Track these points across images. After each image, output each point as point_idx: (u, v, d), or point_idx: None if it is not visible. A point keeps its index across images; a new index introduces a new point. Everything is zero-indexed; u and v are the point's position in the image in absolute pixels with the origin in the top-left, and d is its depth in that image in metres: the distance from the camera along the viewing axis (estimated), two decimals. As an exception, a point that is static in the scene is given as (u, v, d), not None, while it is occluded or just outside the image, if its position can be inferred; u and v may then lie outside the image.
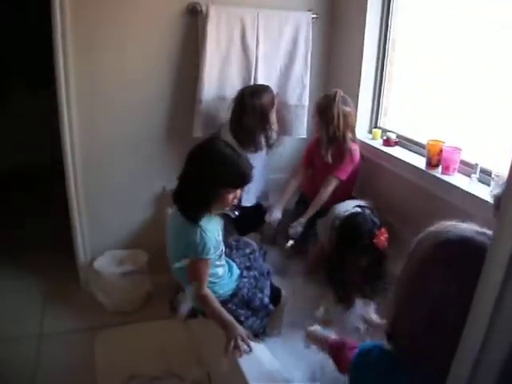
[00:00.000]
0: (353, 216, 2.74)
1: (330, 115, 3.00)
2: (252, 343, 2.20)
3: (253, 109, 3.05)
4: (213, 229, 2.30)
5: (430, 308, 1.21)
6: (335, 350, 1.78)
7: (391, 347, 1.34)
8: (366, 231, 2.63)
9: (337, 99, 2.99)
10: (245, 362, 2.14)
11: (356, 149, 3.11)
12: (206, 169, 2.20)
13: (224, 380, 2.49)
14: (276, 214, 3.20)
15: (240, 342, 2.16)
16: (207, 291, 2.28)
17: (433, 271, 1.22)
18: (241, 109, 3.07)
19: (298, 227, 3.08)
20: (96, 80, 3.15)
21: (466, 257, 1.17)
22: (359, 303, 2.57)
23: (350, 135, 3.08)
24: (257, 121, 3.08)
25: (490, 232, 1.19)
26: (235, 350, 2.14)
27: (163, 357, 2.83)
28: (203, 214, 2.24)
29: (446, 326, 1.16)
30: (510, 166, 0.87)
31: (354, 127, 3.15)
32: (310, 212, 3.11)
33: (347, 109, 3.04)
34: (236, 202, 2.33)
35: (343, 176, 3.08)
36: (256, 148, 3.14)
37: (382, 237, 2.61)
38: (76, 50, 3.02)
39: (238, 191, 2.30)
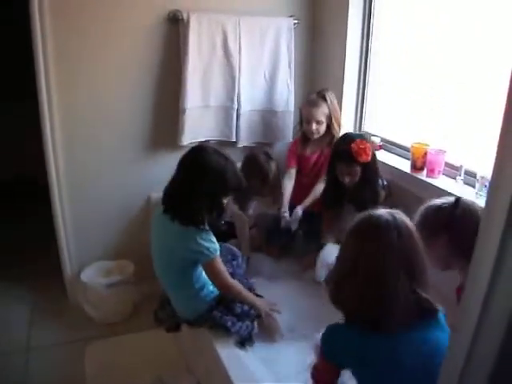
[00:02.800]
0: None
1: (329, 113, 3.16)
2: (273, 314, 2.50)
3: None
4: (212, 236, 2.37)
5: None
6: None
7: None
8: (349, 139, 2.80)
9: (328, 98, 3.16)
10: (233, 370, 2.15)
11: None
12: (210, 183, 2.28)
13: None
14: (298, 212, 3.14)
15: (266, 313, 2.46)
16: (232, 281, 2.42)
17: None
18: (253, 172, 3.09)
19: (299, 213, 3.08)
20: (77, 92, 3.12)
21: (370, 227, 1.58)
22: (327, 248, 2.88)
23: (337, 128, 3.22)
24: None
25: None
26: (268, 318, 2.46)
27: (153, 367, 2.82)
28: (205, 221, 2.32)
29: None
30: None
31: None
32: (307, 202, 3.14)
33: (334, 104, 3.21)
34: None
35: None
36: None
37: (361, 145, 2.72)
38: (56, 62, 2.99)
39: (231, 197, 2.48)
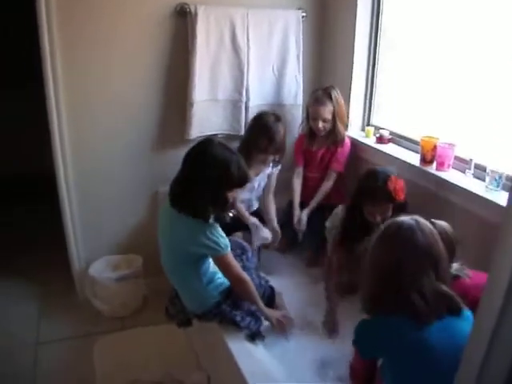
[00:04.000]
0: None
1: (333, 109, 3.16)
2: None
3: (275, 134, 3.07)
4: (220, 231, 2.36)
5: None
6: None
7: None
8: (381, 177, 2.54)
9: (334, 96, 3.15)
10: (245, 364, 2.14)
11: (344, 136, 3.26)
12: (215, 176, 2.26)
13: (225, 383, 2.48)
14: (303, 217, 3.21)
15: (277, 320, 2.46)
16: (246, 277, 2.38)
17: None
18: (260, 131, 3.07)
19: (303, 218, 3.16)
20: (83, 85, 3.12)
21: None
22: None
23: (342, 126, 3.22)
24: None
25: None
26: (279, 325, 2.46)
27: (163, 361, 2.82)
28: (211, 213, 2.30)
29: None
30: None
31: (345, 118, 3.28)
32: (313, 203, 3.21)
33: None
34: (232, 201, 2.41)
35: (341, 168, 3.26)
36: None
37: (398, 183, 2.52)
38: (63, 53, 2.99)
39: (238, 191, 2.40)
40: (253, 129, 3.13)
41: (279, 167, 3.29)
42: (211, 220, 2.30)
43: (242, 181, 2.35)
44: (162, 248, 2.49)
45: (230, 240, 2.68)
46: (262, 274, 2.73)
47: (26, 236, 4.37)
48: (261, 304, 2.44)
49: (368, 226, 2.51)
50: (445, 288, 1.63)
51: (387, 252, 1.70)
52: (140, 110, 3.30)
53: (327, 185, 3.25)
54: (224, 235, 2.33)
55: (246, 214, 3.16)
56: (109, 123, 3.25)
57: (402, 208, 2.49)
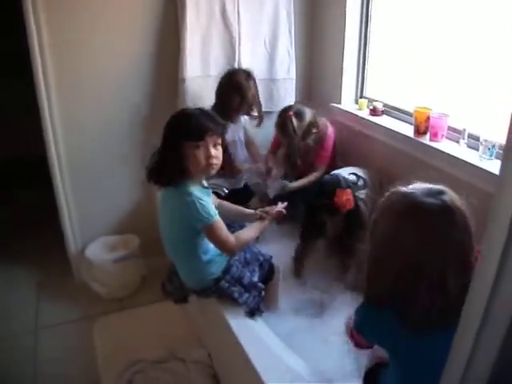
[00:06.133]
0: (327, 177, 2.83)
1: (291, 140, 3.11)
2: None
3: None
4: (208, 200, 2.28)
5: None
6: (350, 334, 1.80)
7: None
8: (330, 189, 2.61)
9: (290, 129, 3.06)
10: (245, 339, 2.15)
11: (326, 131, 3.19)
12: (169, 127, 2.24)
13: (226, 359, 2.50)
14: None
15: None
16: (234, 239, 2.32)
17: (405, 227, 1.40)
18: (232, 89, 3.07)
19: (286, 185, 3.13)
20: (72, 63, 3.08)
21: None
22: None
23: (315, 130, 3.14)
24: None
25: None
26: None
27: (163, 340, 2.83)
28: (181, 175, 2.23)
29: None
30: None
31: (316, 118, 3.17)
32: (299, 183, 3.18)
33: (304, 123, 3.09)
34: (215, 161, 2.25)
35: (326, 161, 3.25)
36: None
37: (344, 197, 2.57)
38: (49, 33, 2.94)
39: (212, 150, 2.23)
40: (225, 88, 3.09)
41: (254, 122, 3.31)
42: (194, 191, 2.22)
43: (195, 131, 2.20)
44: (160, 227, 2.48)
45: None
46: (263, 251, 2.70)
47: (25, 219, 4.35)
48: (255, 232, 2.49)
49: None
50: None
51: (416, 239, 1.37)
52: (131, 87, 3.27)
53: (316, 175, 3.19)
54: (209, 205, 2.23)
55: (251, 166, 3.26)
56: (99, 101, 3.22)
57: (355, 216, 2.60)
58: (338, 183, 2.65)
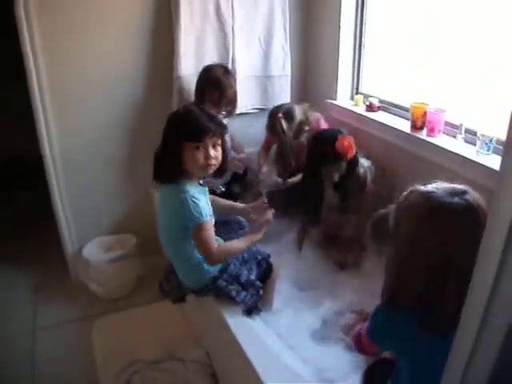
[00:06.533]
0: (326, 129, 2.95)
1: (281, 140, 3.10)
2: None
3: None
4: (202, 198, 2.28)
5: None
6: (356, 340, 1.78)
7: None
8: (330, 136, 2.66)
9: (279, 130, 3.04)
10: (243, 338, 2.14)
11: (318, 128, 3.13)
12: (169, 127, 2.24)
13: (224, 358, 2.49)
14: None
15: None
16: (217, 247, 2.29)
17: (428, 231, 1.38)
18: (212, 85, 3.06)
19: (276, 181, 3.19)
20: (66, 67, 3.06)
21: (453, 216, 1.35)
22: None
23: (307, 128, 3.12)
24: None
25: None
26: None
27: (161, 340, 2.81)
28: (179, 174, 2.23)
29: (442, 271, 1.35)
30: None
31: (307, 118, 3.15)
32: (292, 181, 3.20)
33: (294, 123, 3.07)
34: (213, 162, 2.26)
35: None
36: None
37: (346, 142, 2.61)
38: (42, 31, 2.92)
39: (211, 151, 2.23)
40: (204, 83, 3.07)
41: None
42: (189, 189, 2.23)
43: (193, 131, 2.20)
44: (158, 226, 2.47)
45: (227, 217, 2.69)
46: (262, 249, 2.68)
47: (24, 219, 4.32)
48: (244, 244, 2.41)
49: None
50: None
51: (437, 239, 1.36)
52: (125, 88, 3.25)
53: None
54: (202, 205, 2.23)
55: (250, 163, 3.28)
56: (93, 102, 3.20)
57: (354, 163, 2.68)
58: (339, 131, 2.69)
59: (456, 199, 1.35)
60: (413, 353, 1.44)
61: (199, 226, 2.21)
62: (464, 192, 1.38)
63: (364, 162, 2.79)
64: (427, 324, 1.37)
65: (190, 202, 2.18)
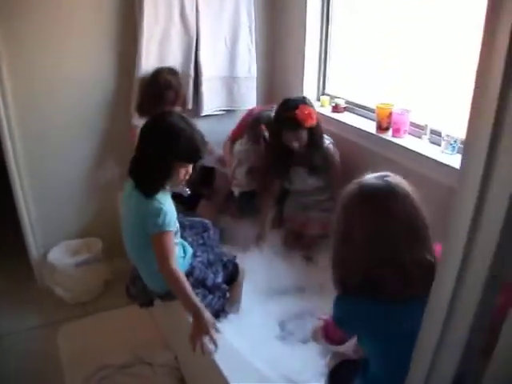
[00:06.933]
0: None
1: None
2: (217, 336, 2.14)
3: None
4: (169, 204, 2.26)
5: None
6: (324, 331, 1.83)
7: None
8: (293, 104, 2.78)
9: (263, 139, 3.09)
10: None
11: None
12: (161, 143, 2.16)
13: (192, 361, 2.47)
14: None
15: (206, 341, 2.09)
16: (177, 268, 2.21)
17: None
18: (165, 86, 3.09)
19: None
20: (30, 71, 3.00)
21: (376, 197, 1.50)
22: None
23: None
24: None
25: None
26: (201, 347, 2.09)
27: (129, 344, 2.78)
28: (159, 189, 2.20)
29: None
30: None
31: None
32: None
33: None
34: (187, 177, 2.28)
35: None
36: None
37: (306, 111, 2.72)
38: (2, 34, 2.86)
39: (190, 167, 2.26)
40: (155, 86, 3.08)
41: None
42: (158, 196, 2.20)
43: (193, 155, 2.23)
44: (122, 229, 2.44)
45: (193, 218, 2.67)
46: (227, 251, 2.69)
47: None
48: (198, 304, 2.18)
49: (291, 152, 2.89)
50: (430, 258, 1.44)
51: (360, 222, 1.50)
52: (91, 91, 3.21)
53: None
54: (169, 212, 2.20)
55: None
56: (59, 105, 3.15)
57: (316, 135, 2.84)
58: (303, 101, 2.81)
59: (377, 180, 1.51)
60: (378, 328, 1.52)
61: (162, 233, 2.18)
62: (385, 175, 1.53)
63: (328, 139, 2.92)
64: (378, 299, 1.48)
65: (157, 207, 2.16)
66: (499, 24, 0.75)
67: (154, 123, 2.25)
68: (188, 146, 2.19)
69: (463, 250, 0.87)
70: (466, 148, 0.90)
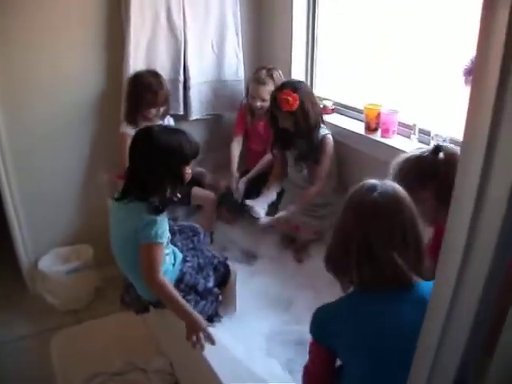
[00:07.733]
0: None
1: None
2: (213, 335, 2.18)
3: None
4: (163, 215, 2.22)
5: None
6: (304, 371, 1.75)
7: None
8: (283, 85, 2.89)
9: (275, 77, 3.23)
10: (206, 347, 2.12)
11: None
12: (165, 152, 2.16)
13: (187, 367, 2.47)
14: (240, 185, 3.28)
15: (202, 337, 2.13)
16: (164, 278, 2.19)
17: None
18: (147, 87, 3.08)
19: (240, 186, 3.26)
20: (19, 66, 2.98)
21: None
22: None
23: None
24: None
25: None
26: (197, 345, 2.12)
27: (123, 351, 2.77)
28: (170, 203, 2.24)
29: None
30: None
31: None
32: (253, 173, 3.34)
33: None
34: (189, 177, 2.31)
35: None
36: None
37: (284, 96, 2.77)
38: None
39: (191, 163, 2.29)
40: (137, 88, 3.07)
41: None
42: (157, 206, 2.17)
43: (195, 152, 2.27)
44: (112, 236, 2.41)
45: (182, 224, 2.66)
46: (217, 254, 2.67)
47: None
48: (187, 309, 2.20)
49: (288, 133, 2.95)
50: (397, 259, 1.44)
51: (349, 223, 1.53)
52: (80, 89, 3.19)
53: (268, 156, 3.29)
54: (164, 223, 2.20)
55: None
56: (47, 110, 3.13)
57: (298, 123, 2.84)
58: (295, 87, 2.83)
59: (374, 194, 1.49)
60: (359, 327, 1.50)
61: (152, 245, 2.16)
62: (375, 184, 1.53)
63: (326, 130, 2.94)
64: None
65: (155, 221, 2.14)
66: (496, 18, 0.75)
67: (150, 147, 2.19)
68: (191, 147, 2.22)
69: (463, 250, 0.87)
70: (464, 148, 0.90)
